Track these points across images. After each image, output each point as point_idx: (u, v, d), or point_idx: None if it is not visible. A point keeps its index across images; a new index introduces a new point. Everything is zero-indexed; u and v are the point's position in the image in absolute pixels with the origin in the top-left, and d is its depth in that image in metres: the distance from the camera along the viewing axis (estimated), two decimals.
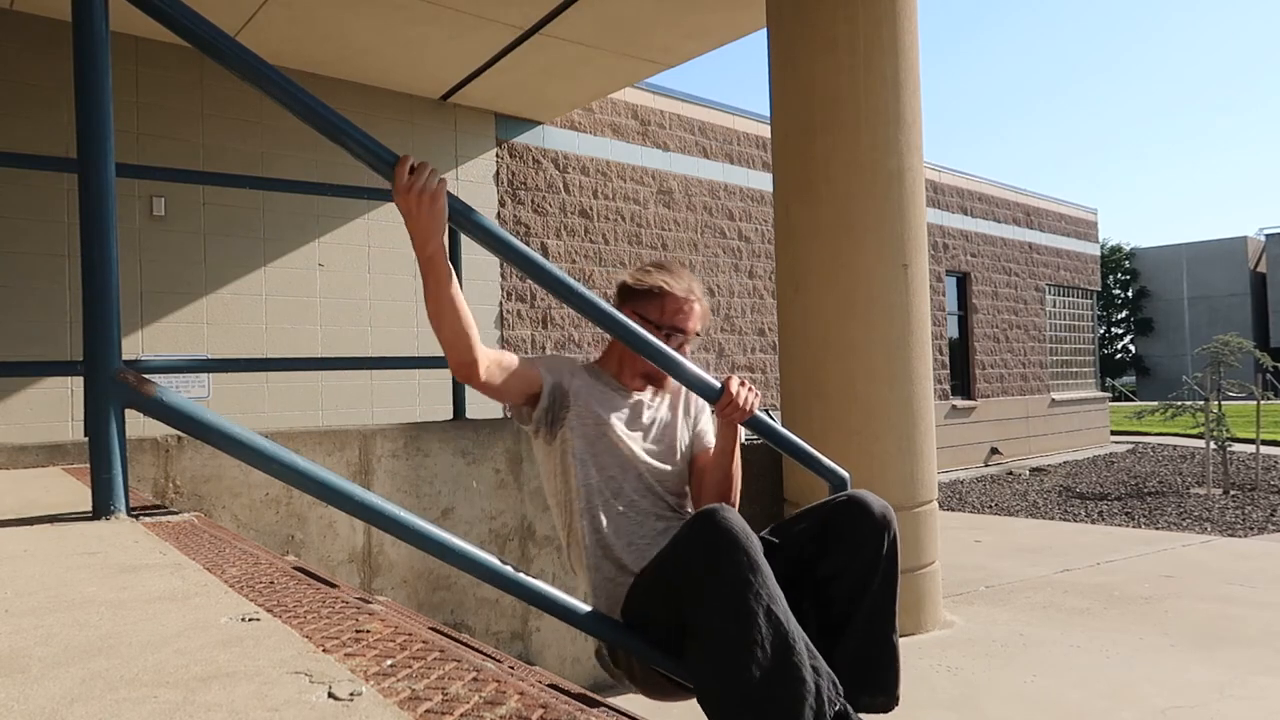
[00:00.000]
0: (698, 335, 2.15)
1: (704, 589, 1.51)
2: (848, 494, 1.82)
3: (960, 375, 13.99)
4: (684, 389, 2.16)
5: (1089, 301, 17.59)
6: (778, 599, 1.48)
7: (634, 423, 2.05)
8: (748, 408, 1.93)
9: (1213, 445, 10.79)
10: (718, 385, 1.91)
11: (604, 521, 1.96)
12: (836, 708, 1.51)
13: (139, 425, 1.87)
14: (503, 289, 7.96)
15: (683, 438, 2.11)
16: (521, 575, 1.58)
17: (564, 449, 2.01)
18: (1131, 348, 43.99)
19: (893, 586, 1.78)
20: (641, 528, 1.97)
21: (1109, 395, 18.39)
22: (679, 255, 9.36)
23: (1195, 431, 12.51)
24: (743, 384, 1.93)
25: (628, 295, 2.12)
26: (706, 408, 2.19)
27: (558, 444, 2.02)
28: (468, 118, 7.77)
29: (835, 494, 1.87)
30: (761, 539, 1.86)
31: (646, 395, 2.10)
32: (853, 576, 1.75)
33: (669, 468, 2.05)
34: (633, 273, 2.15)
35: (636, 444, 2.01)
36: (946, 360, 13.50)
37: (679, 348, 2.04)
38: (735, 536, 1.49)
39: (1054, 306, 16.30)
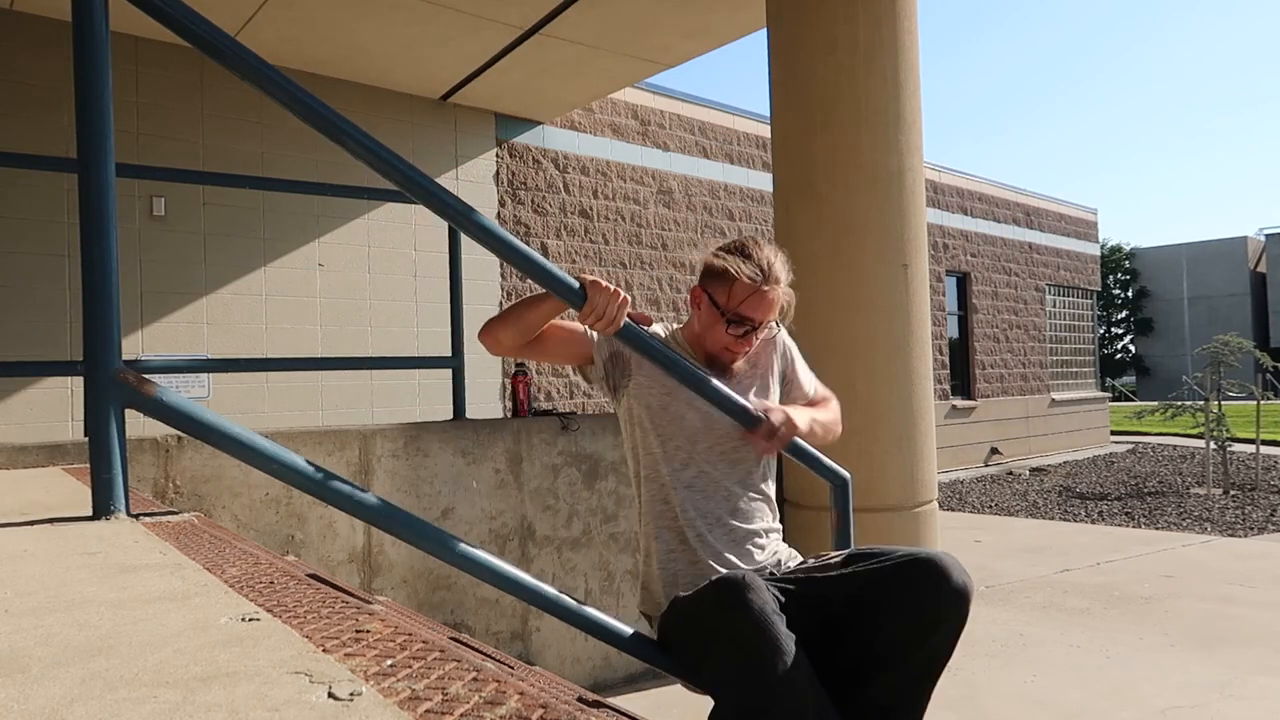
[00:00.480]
0: (775, 324, 2.04)
1: (722, 661, 1.56)
2: (930, 553, 1.69)
3: (960, 375, 13.98)
4: (774, 356, 2.11)
5: (1089, 301, 17.59)
6: (789, 671, 1.49)
7: (710, 404, 1.95)
8: (775, 445, 1.94)
9: (1213, 445, 10.79)
10: (756, 413, 1.91)
11: (669, 491, 1.93)
12: None
13: (139, 425, 1.87)
14: (503, 289, 7.96)
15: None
16: (521, 575, 1.58)
17: (630, 415, 1.99)
18: (1131, 348, 43.99)
19: (940, 662, 1.69)
20: (710, 500, 1.93)
21: (1109, 395, 18.39)
22: (678, 255, 9.36)
23: (1195, 431, 12.51)
24: (785, 418, 1.91)
25: (703, 274, 2.01)
26: (798, 362, 2.15)
27: (624, 409, 2.01)
28: (468, 118, 7.77)
29: (916, 549, 1.73)
30: (804, 578, 1.79)
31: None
32: (905, 634, 1.66)
33: (748, 453, 1.98)
34: (713, 250, 2.04)
35: (707, 415, 1.95)
36: (946, 360, 13.50)
37: (744, 335, 1.96)
38: (754, 620, 1.52)
39: (1054, 306, 16.30)
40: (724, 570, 1.89)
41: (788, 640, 1.52)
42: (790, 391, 2.14)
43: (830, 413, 2.13)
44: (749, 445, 1.97)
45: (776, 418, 1.88)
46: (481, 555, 1.52)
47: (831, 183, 4.84)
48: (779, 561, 1.97)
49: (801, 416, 1.98)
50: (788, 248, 2.14)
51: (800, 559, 2.01)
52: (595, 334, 1.94)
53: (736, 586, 1.57)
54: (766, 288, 1.95)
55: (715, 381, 1.88)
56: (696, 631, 1.71)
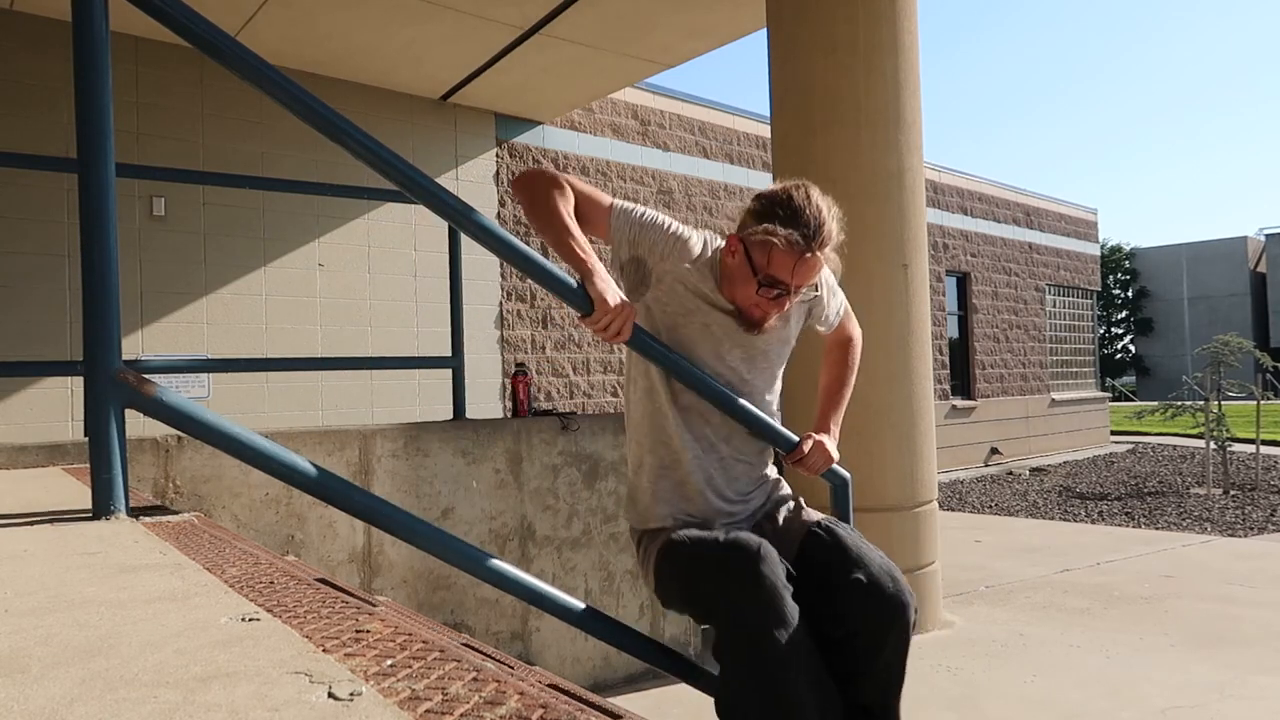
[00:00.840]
0: (814, 290, 1.86)
1: (729, 635, 1.54)
2: (865, 573, 1.65)
3: (960, 375, 13.98)
4: (810, 298, 1.97)
5: (1089, 301, 17.59)
6: (792, 651, 1.48)
7: (723, 336, 1.85)
8: (813, 470, 1.98)
9: (1213, 445, 10.79)
10: (792, 438, 1.93)
11: (666, 410, 1.85)
12: None
13: (139, 425, 1.87)
14: (503, 289, 7.96)
15: (780, 355, 1.95)
16: (522, 575, 1.59)
17: (642, 315, 1.86)
18: (1131, 348, 43.98)
19: (898, 668, 1.69)
20: (707, 426, 1.86)
21: (1109, 395, 18.39)
22: None
23: (1195, 431, 12.50)
24: (819, 448, 1.95)
25: (741, 223, 1.81)
26: (827, 300, 2.02)
27: (641, 307, 1.86)
28: (468, 118, 7.77)
29: (858, 563, 1.67)
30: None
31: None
32: (857, 649, 1.66)
33: (753, 380, 1.90)
34: (756, 198, 1.82)
35: (718, 351, 1.85)
36: (946, 360, 13.50)
37: (777, 299, 1.78)
38: (765, 597, 1.51)
39: (1054, 306, 16.30)
40: (710, 494, 1.86)
41: (793, 615, 1.51)
42: (809, 322, 2.06)
43: (851, 371, 2.18)
44: (758, 378, 1.92)
45: (808, 446, 1.97)
46: (481, 555, 1.52)
47: (831, 183, 4.80)
48: (766, 490, 1.95)
49: (834, 446, 2.03)
50: None
51: (787, 491, 1.99)
52: (616, 230, 1.82)
53: (749, 557, 1.54)
54: (810, 255, 1.73)
55: (744, 403, 1.84)
56: (701, 588, 1.67)
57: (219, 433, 1.41)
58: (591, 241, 1.77)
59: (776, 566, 1.55)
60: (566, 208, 1.77)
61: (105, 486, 1.52)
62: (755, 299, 1.79)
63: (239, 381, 6.44)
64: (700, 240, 1.88)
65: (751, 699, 1.49)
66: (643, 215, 1.84)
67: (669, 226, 1.85)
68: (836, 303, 2.10)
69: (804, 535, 1.81)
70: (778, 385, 1.99)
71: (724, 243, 1.86)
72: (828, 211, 1.75)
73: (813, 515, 1.89)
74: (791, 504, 1.95)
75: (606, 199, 1.84)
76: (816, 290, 1.89)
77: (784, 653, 1.47)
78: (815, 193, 1.77)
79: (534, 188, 1.79)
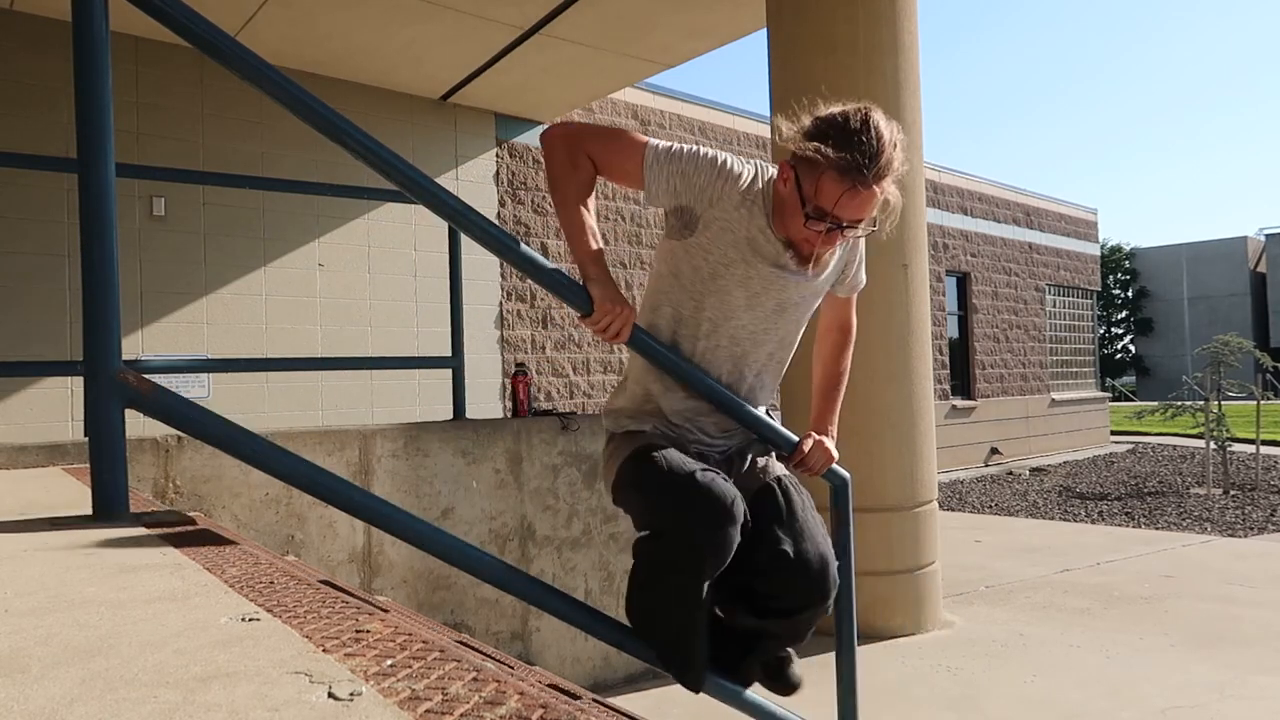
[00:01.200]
0: (872, 225, 1.66)
1: (665, 564, 1.64)
2: (794, 549, 1.66)
3: (960, 375, 13.98)
4: (856, 248, 1.90)
5: (1089, 301, 17.59)
6: (703, 606, 1.62)
7: (761, 289, 1.76)
8: (814, 470, 1.96)
9: (1213, 445, 10.79)
10: (792, 439, 1.93)
11: (676, 347, 1.80)
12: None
13: (139, 425, 1.87)
14: (503, 289, 7.96)
15: (811, 307, 1.89)
16: (522, 574, 1.59)
17: (672, 259, 1.79)
18: (1131, 348, 43.97)
19: (805, 631, 1.80)
20: (710, 371, 1.81)
21: (1109, 395, 18.38)
22: None
23: (1195, 431, 12.50)
24: (820, 447, 1.93)
25: (793, 153, 1.65)
26: (859, 257, 1.95)
27: (669, 250, 1.80)
28: (468, 118, 7.77)
29: (789, 539, 1.67)
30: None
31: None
32: (769, 612, 1.74)
33: (776, 330, 1.84)
34: (813, 117, 1.65)
35: (752, 302, 1.77)
36: (946, 360, 13.50)
37: (829, 234, 1.63)
38: (708, 548, 1.58)
39: (1054, 306, 16.30)
40: (691, 428, 1.83)
41: (725, 562, 1.58)
42: (842, 285, 1.99)
43: (847, 364, 2.13)
44: (787, 327, 1.86)
45: (809, 445, 1.94)
46: (482, 555, 1.52)
47: None
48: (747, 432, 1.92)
49: (833, 445, 2.00)
50: None
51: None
52: (652, 181, 1.72)
53: (718, 515, 1.56)
54: (860, 184, 1.54)
55: (743, 403, 1.83)
56: (661, 513, 1.66)
57: (219, 433, 1.41)
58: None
59: (736, 530, 1.58)
60: (579, 192, 1.76)
61: (105, 486, 1.52)
62: (805, 233, 1.65)
63: (239, 381, 6.44)
64: (751, 172, 1.74)
65: (657, 618, 1.66)
66: (684, 159, 1.69)
67: (716, 165, 1.71)
68: (860, 278, 2.03)
69: (761, 486, 1.80)
70: (801, 331, 1.93)
71: (777, 171, 1.71)
72: (889, 138, 1.57)
73: (776, 470, 1.88)
74: (762, 449, 1.93)
75: (639, 143, 1.71)
76: (874, 226, 1.69)
77: (701, 598, 1.60)
78: (877, 116, 1.59)
79: (551, 160, 1.79)
